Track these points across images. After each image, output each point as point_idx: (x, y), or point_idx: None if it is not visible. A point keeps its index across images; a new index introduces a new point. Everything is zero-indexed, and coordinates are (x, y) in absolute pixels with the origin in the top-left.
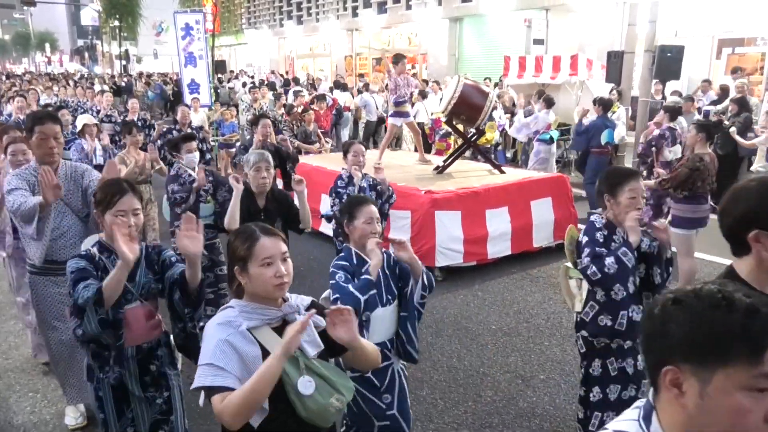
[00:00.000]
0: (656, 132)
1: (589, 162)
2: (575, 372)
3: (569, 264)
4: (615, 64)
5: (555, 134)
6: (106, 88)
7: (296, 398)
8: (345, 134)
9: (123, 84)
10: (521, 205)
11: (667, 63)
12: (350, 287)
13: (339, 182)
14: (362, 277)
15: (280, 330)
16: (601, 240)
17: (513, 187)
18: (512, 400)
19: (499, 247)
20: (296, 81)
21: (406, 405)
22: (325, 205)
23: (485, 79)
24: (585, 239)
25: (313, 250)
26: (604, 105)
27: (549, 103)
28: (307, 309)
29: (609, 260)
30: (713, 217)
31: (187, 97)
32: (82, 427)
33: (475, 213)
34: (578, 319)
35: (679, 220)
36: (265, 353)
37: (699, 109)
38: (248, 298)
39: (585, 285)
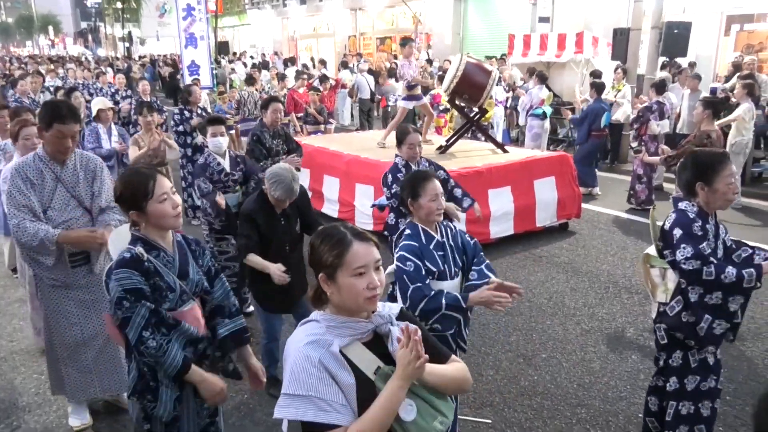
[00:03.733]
0: (643, 104)
1: (589, 144)
2: (576, 351)
3: (650, 252)
4: (621, 42)
5: (548, 110)
6: (109, 69)
7: (397, 425)
8: (346, 115)
9: (120, 68)
10: (524, 184)
11: (674, 40)
12: (442, 299)
13: (399, 175)
14: (456, 299)
15: (370, 345)
16: (700, 233)
17: (516, 166)
18: (513, 378)
19: (501, 226)
20: (305, 67)
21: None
22: (331, 188)
23: (489, 59)
24: (679, 232)
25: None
26: (597, 88)
27: (542, 79)
28: (398, 318)
29: (730, 270)
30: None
31: (188, 79)
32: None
33: (477, 193)
34: (660, 309)
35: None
36: (359, 377)
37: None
38: (333, 311)
39: (670, 275)
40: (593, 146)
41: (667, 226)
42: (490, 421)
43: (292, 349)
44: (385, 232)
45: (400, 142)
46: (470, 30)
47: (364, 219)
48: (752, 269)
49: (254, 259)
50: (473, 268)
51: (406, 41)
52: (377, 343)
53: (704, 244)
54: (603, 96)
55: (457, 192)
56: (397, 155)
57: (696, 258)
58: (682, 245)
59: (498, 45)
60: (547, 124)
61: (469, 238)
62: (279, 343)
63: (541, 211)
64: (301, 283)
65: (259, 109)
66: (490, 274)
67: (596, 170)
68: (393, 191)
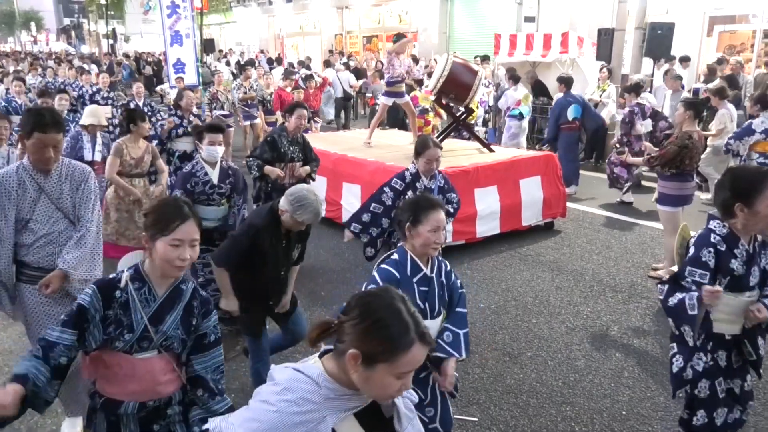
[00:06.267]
0: (626, 109)
1: (560, 139)
2: (561, 349)
3: (675, 269)
4: (605, 42)
5: (525, 110)
6: (94, 68)
7: None
8: (330, 112)
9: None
10: (510, 183)
11: (658, 40)
12: None
13: (396, 183)
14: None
15: (363, 411)
16: (710, 261)
17: (502, 165)
18: (499, 377)
19: (487, 225)
20: (291, 66)
21: (448, 415)
22: (318, 187)
23: (475, 58)
24: (692, 251)
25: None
26: (566, 83)
27: (516, 80)
28: None
29: (678, 295)
30: (698, 194)
31: (172, 77)
32: None
33: (463, 192)
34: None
35: (666, 197)
36: None
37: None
38: (337, 377)
39: None
40: (567, 140)
41: (692, 240)
42: (476, 419)
43: (267, 398)
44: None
45: (418, 154)
46: (456, 29)
47: None
48: (695, 293)
49: (228, 293)
50: (450, 327)
51: (399, 37)
52: (369, 409)
53: (700, 271)
54: (589, 96)
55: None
56: (413, 163)
57: (672, 279)
58: (689, 267)
59: (484, 44)
60: (524, 123)
61: (458, 283)
62: (267, 365)
63: (526, 210)
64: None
65: (230, 105)
66: (462, 342)
67: (578, 168)
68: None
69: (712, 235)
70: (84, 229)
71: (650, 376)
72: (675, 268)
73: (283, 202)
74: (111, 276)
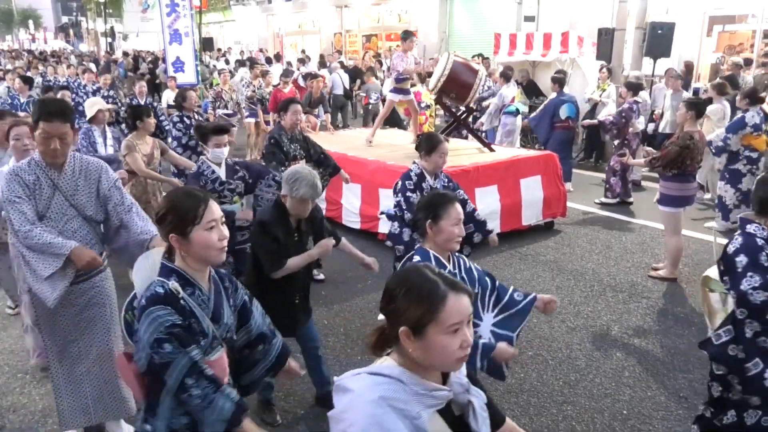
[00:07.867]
0: (626, 105)
1: (553, 137)
2: (562, 348)
3: (711, 274)
4: (606, 42)
5: (521, 106)
6: (93, 66)
7: None
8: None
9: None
10: (510, 183)
11: (658, 40)
12: None
13: (408, 183)
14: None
15: (441, 412)
16: (767, 264)
17: (502, 165)
18: None
19: (488, 225)
20: (289, 64)
21: None
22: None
23: (474, 57)
24: (745, 260)
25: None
26: (559, 82)
27: (507, 78)
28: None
29: (761, 364)
30: (699, 194)
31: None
32: None
33: (464, 191)
34: (708, 336)
35: (667, 198)
36: None
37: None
38: (409, 367)
39: (730, 301)
40: (560, 138)
41: (730, 249)
42: None
43: (362, 412)
44: (388, 242)
45: (429, 151)
46: (456, 28)
47: (352, 218)
48: None
49: (293, 263)
50: (515, 293)
51: (408, 34)
52: (447, 410)
53: (760, 275)
54: (589, 95)
55: (479, 215)
56: (415, 162)
57: (765, 289)
58: (749, 273)
59: (484, 44)
60: (519, 120)
61: (483, 272)
62: None
63: (527, 210)
64: (306, 306)
65: (234, 104)
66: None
67: (572, 167)
68: (397, 200)
69: (757, 239)
70: (135, 214)
71: (651, 376)
72: (699, 273)
73: (282, 187)
74: (158, 289)
